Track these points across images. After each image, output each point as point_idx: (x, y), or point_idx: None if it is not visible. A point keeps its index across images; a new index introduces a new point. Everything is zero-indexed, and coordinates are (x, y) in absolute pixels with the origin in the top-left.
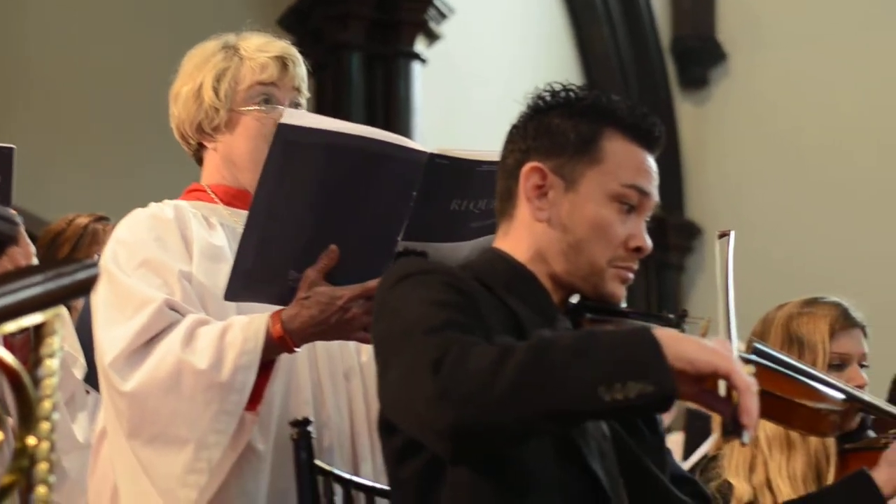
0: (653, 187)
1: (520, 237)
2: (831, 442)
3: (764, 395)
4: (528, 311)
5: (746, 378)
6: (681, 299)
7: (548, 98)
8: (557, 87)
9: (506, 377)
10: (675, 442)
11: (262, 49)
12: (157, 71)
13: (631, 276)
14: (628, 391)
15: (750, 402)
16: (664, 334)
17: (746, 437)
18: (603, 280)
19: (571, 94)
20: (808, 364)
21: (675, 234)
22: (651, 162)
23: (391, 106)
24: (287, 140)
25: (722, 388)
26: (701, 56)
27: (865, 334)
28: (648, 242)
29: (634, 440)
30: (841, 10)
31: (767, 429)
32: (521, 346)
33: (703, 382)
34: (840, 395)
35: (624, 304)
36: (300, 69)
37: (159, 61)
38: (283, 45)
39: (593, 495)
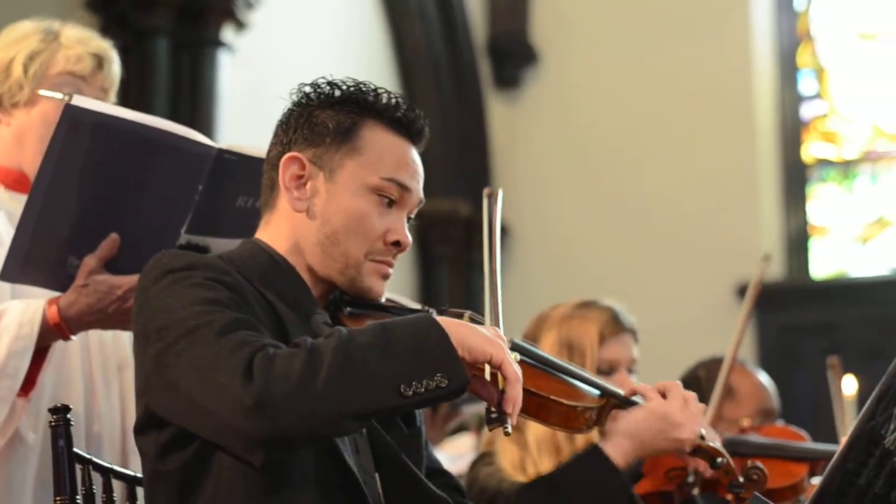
0: (415, 182)
1: (279, 228)
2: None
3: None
4: (284, 304)
5: (516, 368)
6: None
7: (311, 92)
8: (321, 82)
9: (319, 383)
10: (464, 444)
11: (82, 42)
12: None
13: (389, 270)
14: (426, 385)
15: (515, 392)
16: (447, 323)
17: (510, 426)
18: (360, 274)
19: (336, 87)
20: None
21: (482, 233)
22: (414, 156)
23: (196, 94)
24: (71, 121)
25: (488, 373)
26: (514, 56)
27: (636, 339)
28: (407, 237)
29: (391, 434)
30: (648, 23)
31: (538, 432)
32: (327, 346)
33: (473, 368)
34: (596, 392)
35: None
36: (114, 72)
37: None
38: (105, 46)
39: (348, 488)
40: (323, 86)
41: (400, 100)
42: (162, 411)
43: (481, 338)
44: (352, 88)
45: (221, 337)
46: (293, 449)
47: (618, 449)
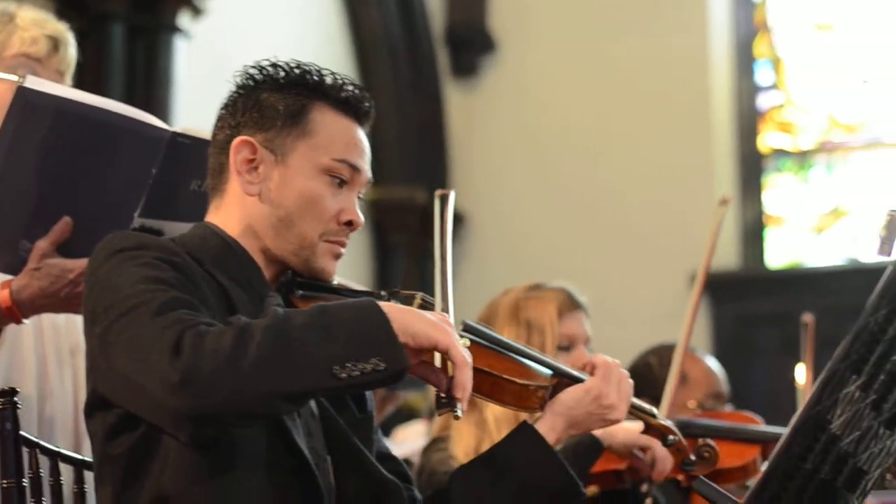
0: (363, 162)
1: (231, 212)
2: None
3: (474, 371)
4: (237, 287)
5: (463, 353)
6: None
7: (257, 74)
8: (266, 64)
9: (247, 361)
10: (416, 431)
11: (38, 24)
12: None
13: (342, 250)
14: (362, 368)
15: (464, 377)
16: (390, 308)
17: (459, 411)
18: (314, 255)
19: (280, 69)
20: (537, 346)
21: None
22: (362, 136)
23: (152, 79)
24: (25, 103)
25: (438, 360)
26: (472, 45)
27: (588, 316)
28: (360, 217)
29: (343, 418)
30: (605, 13)
31: (496, 410)
32: (258, 325)
33: (420, 354)
34: (548, 371)
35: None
36: (69, 55)
37: None
38: (61, 28)
39: (299, 471)
40: (267, 67)
41: (345, 80)
42: (106, 391)
43: (426, 323)
44: (296, 70)
45: (158, 315)
46: (223, 427)
47: (548, 425)
